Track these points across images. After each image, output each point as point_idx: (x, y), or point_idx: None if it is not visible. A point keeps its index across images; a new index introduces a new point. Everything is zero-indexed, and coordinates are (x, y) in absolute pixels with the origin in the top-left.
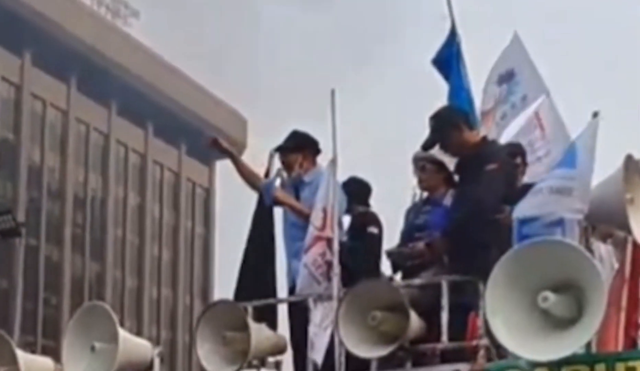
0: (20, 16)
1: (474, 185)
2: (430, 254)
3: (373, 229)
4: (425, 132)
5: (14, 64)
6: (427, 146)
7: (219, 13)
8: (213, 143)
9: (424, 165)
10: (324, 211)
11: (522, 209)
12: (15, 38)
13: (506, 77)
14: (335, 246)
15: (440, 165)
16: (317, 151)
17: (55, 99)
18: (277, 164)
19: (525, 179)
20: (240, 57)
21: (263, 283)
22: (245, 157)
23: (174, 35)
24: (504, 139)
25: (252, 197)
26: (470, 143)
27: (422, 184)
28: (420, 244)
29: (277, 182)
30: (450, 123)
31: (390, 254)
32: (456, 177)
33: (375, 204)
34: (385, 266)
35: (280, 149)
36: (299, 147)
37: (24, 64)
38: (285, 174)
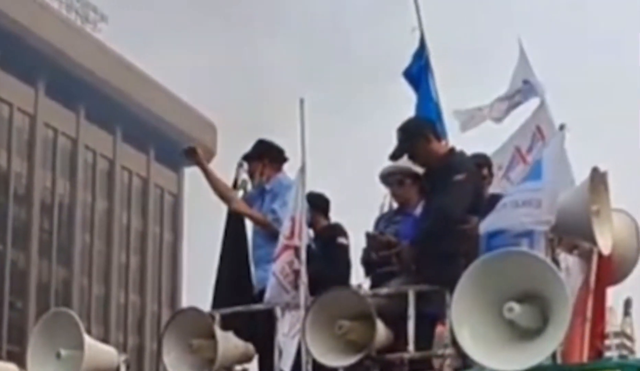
0: None
1: (442, 195)
2: (398, 263)
3: (342, 240)
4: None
5: None
6: (395, 155)
7: (189, 16)
8: (190, 152)
9: (401, 180)
10: (292, 219)
11: (489, 223)
12: None
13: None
14: (303, 254)
15: (416, 177)
16: (281, 160)
17: (23, 103)
18: (244, 173)
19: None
20: (212, 63)
21: (239, 292)
22: (214, 165)
23: (143, 41)
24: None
25: (221, 204)
26: (438, 154)
27: (399, 198)
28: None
29: (239, 193)
30: (418, 134)
31: (370, 236)
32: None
33: (340, 213)
34: (355, 277)
35: (245, 158)
36: (261, 156)
37: None
38: (249, 184)
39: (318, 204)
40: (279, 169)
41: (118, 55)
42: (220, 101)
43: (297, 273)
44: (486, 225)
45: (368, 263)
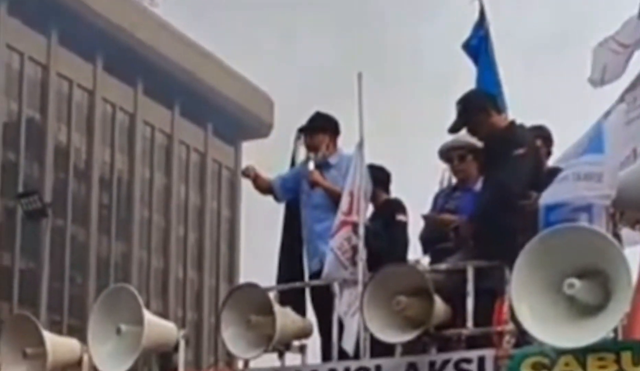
0: None
1: (501, 170)
2: (456, 239)
3: (401, 217)
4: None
5: (41, 43)
6: (454, 129)
7: None
8: (244, 174)
9: (462, 154)
10: (351, 195)
11: (549, 196)
12: (42, 17)
13: None
14: (361, 230)
15: (477, 152)
16: (339, 133)
17: (82, 79)
18: (302, 147)
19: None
20: (270, 38)
21: (296, 272)
22: (272, 139)
23: (201, 16)
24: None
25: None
26: (498, 127)
27: (460, 174)
28: (449, 217)
29: (311, 165)
30: (478, 106)
31: (425, 218)
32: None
33: (399, 189)
34: (414, 253)
35: (305, 130)
36: (325, 128)
37: (50, 44)
38: (312, 156)
39: (379, 177)
40: (336, 143)
41: (175, 29)
42: (276, 75)
43: (355, 249)
44: (545, 197)
45: (426, 241)
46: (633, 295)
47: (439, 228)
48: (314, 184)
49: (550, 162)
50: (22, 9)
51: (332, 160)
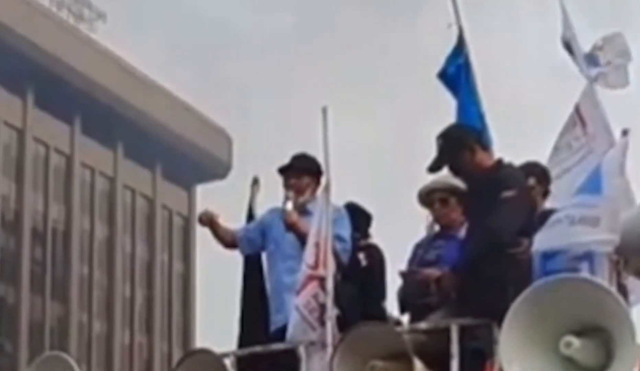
0: None
1: (489, 214)
2: (439, 292)
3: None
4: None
5: None
6: (435, 167)
7: (200, 17)
8: (200, 221)
9: (445, 198)
10: (317, 245)
11: (543, 241)
12: None
13: None
14: (330, 286)
15: (462, 195)
16: (321, 179)
17: (10, 116)
18: (259, 192)
19: (562, 186)
20: (226, 69)
21: (260, 333)
22: (230, 180)
23: (147, 42)
24: None
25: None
26: (484, 166)
27: (442, 220)
28: (431, 271)
29: (289, 205)
30: (461, 143)
31: (403, 275)
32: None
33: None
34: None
35: (289, 170)
36: (312, 172)
37: None
38: (290, 195)
39: (355, 220)
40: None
41: (118, 58)
42: (234, 110)
43: (323, 307)
44: (539, 243)
45: (405, 298)
46: None
47: (419, 285)
48: (290, 226)
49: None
50: None
51: (311, 207)
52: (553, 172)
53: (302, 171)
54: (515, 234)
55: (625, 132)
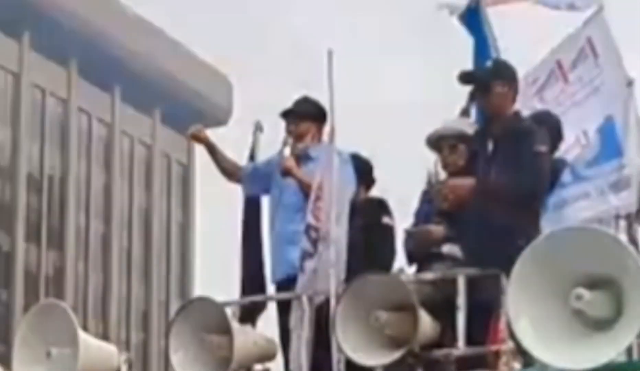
0: None
1: (522, 166)
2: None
3: (386, 220)
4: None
5: None
6: (465, 78)
7: None
8: (193, 138)
9: (455, 144)
10: (318, 199)
11: (571, 218)
12: None
13: None
14: (333, 234)
15: (470, 141)
16: (325, 124)
17: (5, 60)
18: (261, 138)
19: (570, 118)
20: (228, 15)
21: (259, 282)
22: (231, 127)
23: None
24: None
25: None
26: (511, 110)
27: (450, 167)
28: (436, 228)
29: (287, 151)
30: (505, 78)
31: (409, 234)
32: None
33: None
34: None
35: (289, 115)
36: (314, 117)
37: None
38: (290, 141)
39: (357, 170)
40: (322, 135)
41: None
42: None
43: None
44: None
45: (411, 252)
46: None
47: (426, 243)
48: (286, 172)
49: None
50: None
51: (313, 152)
52: (563, 105)
53: (302, 116)
54: (544, 192)
55: (630, 83)
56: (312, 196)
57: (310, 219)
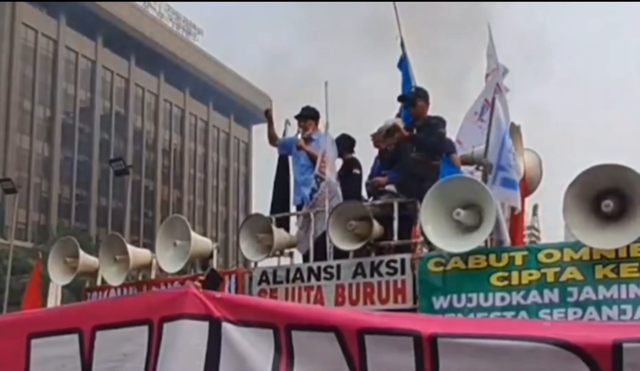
0: None
1: (431, 140)
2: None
3: (356, 171)
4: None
5: None
6: (404, 99)
7: None
8: (266, 112)
9: (392, 130)
10: (323, 160)
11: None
12: None
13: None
14: (328, 177)
15: (400, 130)
16: (319, 120)
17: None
18: (289, 128)
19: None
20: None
21: (285, 205)
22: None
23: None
24: None
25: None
26: (426, 114)
27: (389, 142)
28: (382, 179)
29: (299, 136)
30: (422, 96)
31: (367, 184)
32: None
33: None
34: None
35: (299, 117)
36: (312, 117)
37: None
38: (301, 131)
39: (346, 143)
40: (318, 125)
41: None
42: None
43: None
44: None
45: (369, 190)
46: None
47: (376, 186)
48: (299, 148)
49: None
50: None
51: (314, 136)
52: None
53: (305, 117)
54: (441, 154)
55: (494, 100)
56: (319, 160)
57: (317, 172)
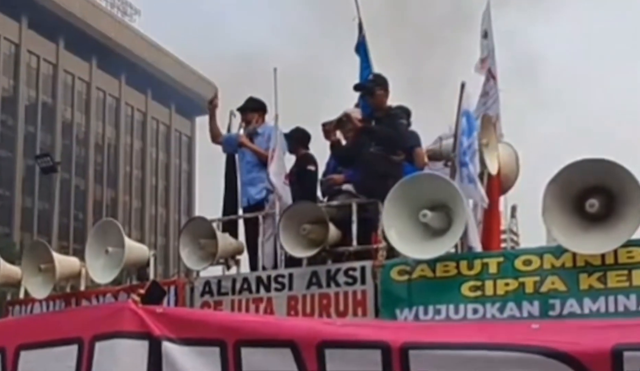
0: None
1: (388, 130)
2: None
3: (311, 167)
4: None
5: None
6: (360, 87)
7: None
8: (210, 102)
9: (346, 121)
10: (272, 158)
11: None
12: None
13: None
14: (278, 180)
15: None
16: (265, 112)
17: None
18: (234, 121)
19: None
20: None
21: (234, 207)
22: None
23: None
24: None
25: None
26: (386, 104)
27: (346, 133)
28: (338, 177)
29: (241, 131)
30: (381, 84)
31: (321, 182)
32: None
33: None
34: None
35: (241, 110)
36: (256, 109)
37: None
38: (244, 126)
39: (300, 137)
40: (264, 118)
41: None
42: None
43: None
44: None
45: (324, 190)
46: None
47: (332, 185)
48: (240, 145)
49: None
50: None
51: (260, 129)
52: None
53: (248, 110)
54: (402, 148)
55: (462, 86)
56: (270, 157)
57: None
